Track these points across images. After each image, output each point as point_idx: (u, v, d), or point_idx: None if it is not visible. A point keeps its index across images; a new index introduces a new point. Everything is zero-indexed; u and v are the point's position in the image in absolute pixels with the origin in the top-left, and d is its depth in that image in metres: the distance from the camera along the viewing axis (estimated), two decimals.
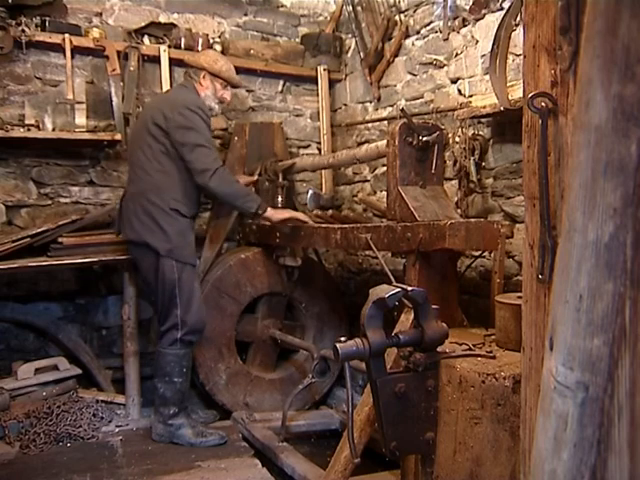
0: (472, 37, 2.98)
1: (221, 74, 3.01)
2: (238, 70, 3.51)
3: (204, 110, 2.88)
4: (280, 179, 3.44)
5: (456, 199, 2.96)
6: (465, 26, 3.02)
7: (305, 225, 2.99)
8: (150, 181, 2.86)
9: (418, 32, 3.39)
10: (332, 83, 4.16)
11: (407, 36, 3.47)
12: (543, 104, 1.13)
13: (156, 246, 2.81)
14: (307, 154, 4.08)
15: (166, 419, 2.86)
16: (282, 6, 4.13)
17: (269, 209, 2.95)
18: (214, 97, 3.03)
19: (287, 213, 3.05)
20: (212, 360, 3.28)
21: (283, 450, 2.81)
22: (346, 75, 4.10)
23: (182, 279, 2.84)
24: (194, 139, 2.80)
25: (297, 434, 3.03)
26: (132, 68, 3.44)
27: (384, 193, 3.26)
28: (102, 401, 3.12)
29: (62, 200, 3.41)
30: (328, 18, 4.21)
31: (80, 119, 3.29)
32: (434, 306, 1.74)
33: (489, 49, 2.44)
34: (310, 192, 3.39)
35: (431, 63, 3.27)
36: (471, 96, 2.95)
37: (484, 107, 2.69)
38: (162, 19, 3.68)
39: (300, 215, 3.04)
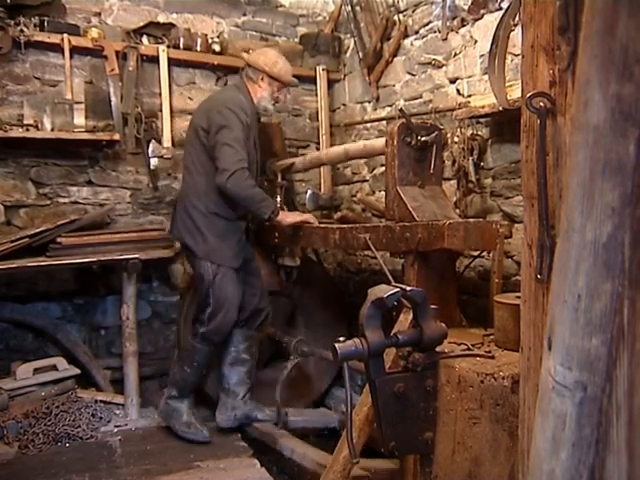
0: (471, 37, 2.98)
1: (280, 78, 3.00)
2: (236, 70, 3.51)
3: (244, 109, 2.88)
4: (279, 179, 3.44)
5: (455, 199, 2.96)
6: (464, 26, 3.02)
7: (305, 225, 2.99)
8: (192, 183, 2.96)
9: (417, 32, 3.39)
10: (331, 83, 4.16)
11: (406, 36, 3.47)
12: (541, 104, 1.13)
13: (194, 248, 2.93)
14: (306, 154, 4.07)
15: (167, 397, 3.00)
16: (281, 6, 4.13)
17: (280, 213, 2.95)
18: (270, 98, 3.04)
19: (298, 217, 3.03)
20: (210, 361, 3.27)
21: (282, 435, 2.88)
22: (345, 75, 4.10)
23: (216, 281, 2.91)
24: (223, 138, 2.80)
25: (295, 430, 3.03)
26: (131, 68, 3.44)
27: (383, 193, 3.26)
28: (101, 401, 3.12)
29: (61, 200, 3.41)
30: (327, 18, 4.20)
31: (79, 119, 3.28)
32: (433, 306, 1.74)
33: (488, 49, 2.44)
34: (309, 192, 3.39)
35: (430, 63, 3.27)
36: (470, 96, 2.95)
37: (483, 107, 2.69)
38: (161, 19, 3.68)
39: (310, 218, 3.02)
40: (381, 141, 2.57)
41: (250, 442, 2.97)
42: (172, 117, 3.60)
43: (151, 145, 3.50)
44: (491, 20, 2.80)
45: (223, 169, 2.78)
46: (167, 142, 3.54)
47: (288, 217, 2.98)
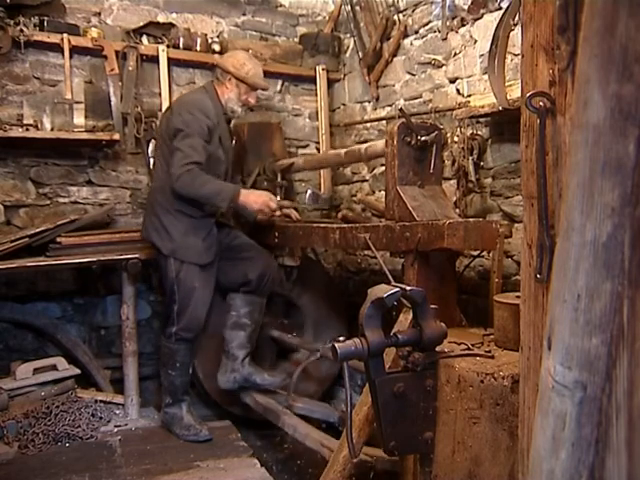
0: (470, 37, 2.98)
1: (246, 80, 3.00)
2: None
3: (205, 112, 2.87)
4: (279, 179, 3.44)
5: (455, 199, 2.96)
6: (464, 26, 3.02)
7: (305, 225, 3.00)
8: (159, 182, 2.98)
9: (417, 32, 3.39)
10: (331, 83, 4.16)
11: (406, 36, 3.46)
12: (541, 104, 1.13)
13: (159, 246, 2.94)
14: (306, 154, 4.07)
15: (164, 407, 3.04)
16: (281, 6, 4.13)
17: (241, 194, 2.86)
18: (237, 100, 3.04)
19: (259, 197, 2.93)
20: (209, 360, 3.28)
21: (285, 412, 2.90)
22: (345, 75, 4.10)
23: (180, 277, 2.92)
24: (177, 142, 2.81)
25: (297, 415, 3.03)
26: (131, 68, 3.44)
27: (383, 193, 3.26)
28: (101, 401, 3.12)
29: (61, 200, 3.41)
30: (327, 18, 4.20)
31: (78, 119, 3.28)
32: (433, 306, 1.74)
33: (487, 49, 2.44)
34: (309, 192, 3.39)
35: (430, 63, 3.27)
36: (469, 96, 2.95)
37: (482, 107, 2.69)
38: (161, 19, 3.68)
39: (271, 200, 2.96)
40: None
41: (252, 422, 3.02)
42: None
43: (151, 145, 3.51)
44: (491, 20, 2.80)
45: (171, 174, 2.80)
46: None
47: (248, 197, 2.90)
